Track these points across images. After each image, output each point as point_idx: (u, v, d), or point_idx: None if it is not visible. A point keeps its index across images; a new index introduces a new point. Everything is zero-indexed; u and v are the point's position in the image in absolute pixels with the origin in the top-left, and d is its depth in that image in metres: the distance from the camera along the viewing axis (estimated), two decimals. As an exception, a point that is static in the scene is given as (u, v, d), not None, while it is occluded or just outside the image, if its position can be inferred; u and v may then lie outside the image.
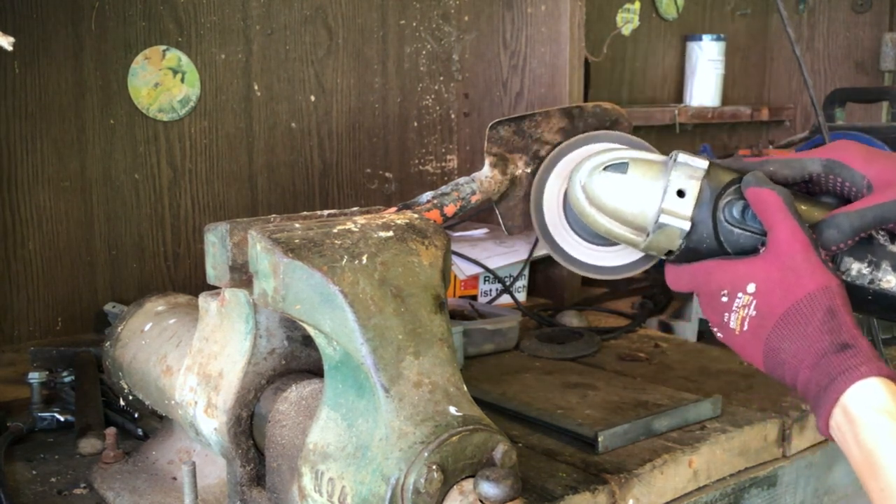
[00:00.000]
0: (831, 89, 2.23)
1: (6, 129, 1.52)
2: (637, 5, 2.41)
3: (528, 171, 1.05)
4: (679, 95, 2.55)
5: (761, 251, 0.83)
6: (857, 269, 0.86)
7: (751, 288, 0.81)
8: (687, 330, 1.61)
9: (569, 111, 1.06)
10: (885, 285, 0.85)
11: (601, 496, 1.00)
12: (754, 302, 0.81)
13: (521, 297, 1.82)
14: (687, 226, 0.86)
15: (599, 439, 1.09)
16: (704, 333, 1.59)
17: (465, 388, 0.78)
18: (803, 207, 0.85)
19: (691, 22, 2.57)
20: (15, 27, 1.50)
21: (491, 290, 1.80)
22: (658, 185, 0.88)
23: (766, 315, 0.80)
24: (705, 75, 2.46)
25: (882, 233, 0.86)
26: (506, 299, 1.79)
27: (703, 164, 0.87)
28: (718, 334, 0.86)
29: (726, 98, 2.55)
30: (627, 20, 2.40)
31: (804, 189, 0.88)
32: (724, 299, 0.83)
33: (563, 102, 1.81)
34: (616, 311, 1.80)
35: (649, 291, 1.88)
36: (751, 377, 1.38)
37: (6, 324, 1.55)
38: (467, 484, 0.71)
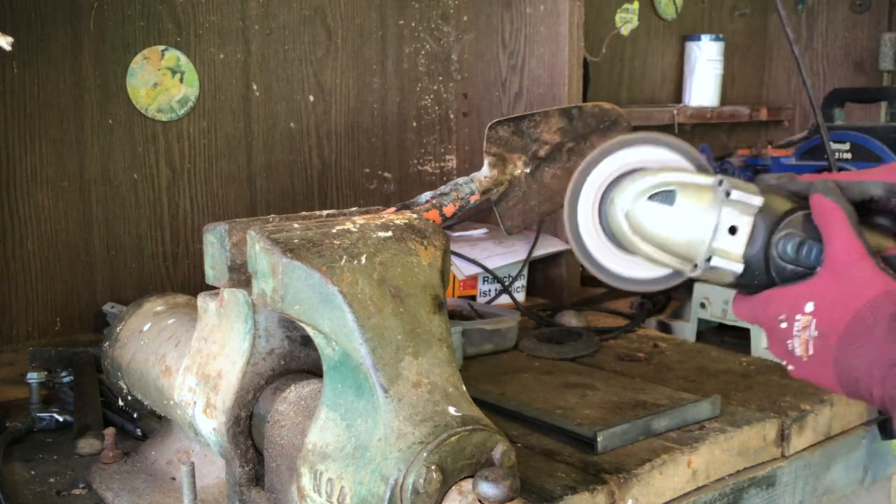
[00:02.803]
0: (830, 89, 2.23)
1: (5, 128, 1.52)
2: (636, 5, 2.41)
3: (528, 170, 1.05)
4: (678, 95, 2.55)
5: (818, 270, 0.80)
6: None
7: (809, 307, 0.78)
8: (686, 330, 1.61)
9: (568, 111, 1.06)
10: None
11: (600, 496, 1.00)
12: (814, 321, 0.78)
13: (520, 297, 1.82)
14: (739, 268, 0.82)
15: (598, 439, 1.09)
16: (703, 333, 1.60)
17: (464, 389, 0.78)
18: (870, 237, 0.80)
19: (690, 22, 2.57)
20: (14, 27, 1.50)
21: (490, 290, 1.80)
22: (708, 219, 0.83)
23: (829, 332, 0.76)
24: (704, 75, 2.46)
25: None
26: (505, 299, 1.79)
27: (757, 200, 0.82)
28: (789, 367, 0.82)
29: (725, 98, 2.55)
30: (626, 20, 2.40)
31: (861, 207, 0.84)
32: (784, 325, 0.80)
33: (562, 102, 1.81)
34: (615, 311, 1.80)
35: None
36: (749, 377, 1.38)
37: (5, 324, 1.55)
38: (466, 484, 0.71)
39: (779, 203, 0.83)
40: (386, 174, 2.00)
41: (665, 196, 0.84)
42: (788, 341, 0.80)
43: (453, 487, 0.71)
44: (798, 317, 0.79)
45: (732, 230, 0.83)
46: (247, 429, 0.89)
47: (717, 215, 0.83)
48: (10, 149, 1.53)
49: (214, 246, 0.87)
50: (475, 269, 1.77)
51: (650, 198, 0.84)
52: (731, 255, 0.83)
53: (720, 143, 2.63)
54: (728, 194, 0.82)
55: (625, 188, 0.86)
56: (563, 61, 1.81)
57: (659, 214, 0.84)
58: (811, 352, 0.78)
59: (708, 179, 0.84)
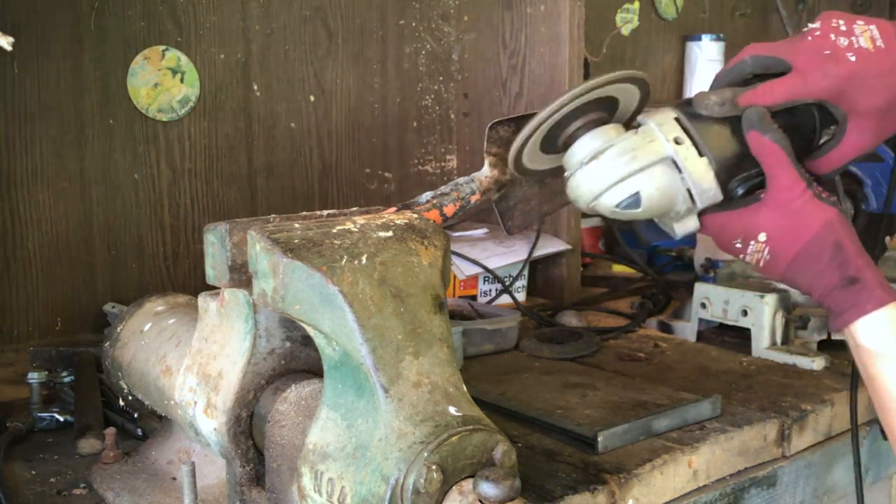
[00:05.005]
0: (831, 89, 2.23)
1: (5, 129, 1.52)
2: (636, 5, 2.41)
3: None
4: (679, 95, 2.55)
5: (762, 196, 0.90)
6: None
7: (762, 237, 0.90)
8: (686, 330, 1.61)
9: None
10: None
11: (600, 496, 1.00)
12: (767, 248, 0.90)
13: (521, 297, 1.82)
14: (720, 196, 0.93)
15: (599, 439, 1.09)
16: (703, 333, 1.59)
17: (465, 388, 0.78)
18: None
19: (691, 22, 2.57)
20: (14, 27, 1.50)
21: (490, 290, 1.80)
22: (678, 188, 0.92)
23: (780, 256, 0.89)
24: (705, 75, 2.46)
25: None
26: (505, 299, 1.79)
27: (704, 169, 0.92)
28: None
29: (726, 98, 2.55)
30: (627, 20, 2.40)
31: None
32: (738, 245, 0.92)
33: (563, 102, 1.81)
34: (615, 311, 1.80)
35: (649, 292, 1.88)
36: (750, 377, 1.38)
37: (5, 324, 1.55)
38: (467, 484, 0.71)
39: (722, 148, 0.92)
40: (386, 174, 2.00)
41: (631, 203, 0.92)
42: (741, 255, 0.93)
43: (454, 487, 0.71)
44: (752, 242, 0.91)
45: (690, 194, 0.93)
46: (247, 429, 0.89)
47: (679, 193, 0.92)
48: (11, 149, 1.53)
49: (215, 246, 0.87)
50: (475, 269, 1.77)
51: (617, 207, 0.93)
52: (711, 197, 0.93)
53: (721, 143, 2.63)
54: (679, 169, 0.92)
55: (594, 203, 0.94)
56: (563, 61, 1.81)
57: (634, 215, 0.94)
58: (762, 266, 0.92)
59: (660, 152, 0.92)
